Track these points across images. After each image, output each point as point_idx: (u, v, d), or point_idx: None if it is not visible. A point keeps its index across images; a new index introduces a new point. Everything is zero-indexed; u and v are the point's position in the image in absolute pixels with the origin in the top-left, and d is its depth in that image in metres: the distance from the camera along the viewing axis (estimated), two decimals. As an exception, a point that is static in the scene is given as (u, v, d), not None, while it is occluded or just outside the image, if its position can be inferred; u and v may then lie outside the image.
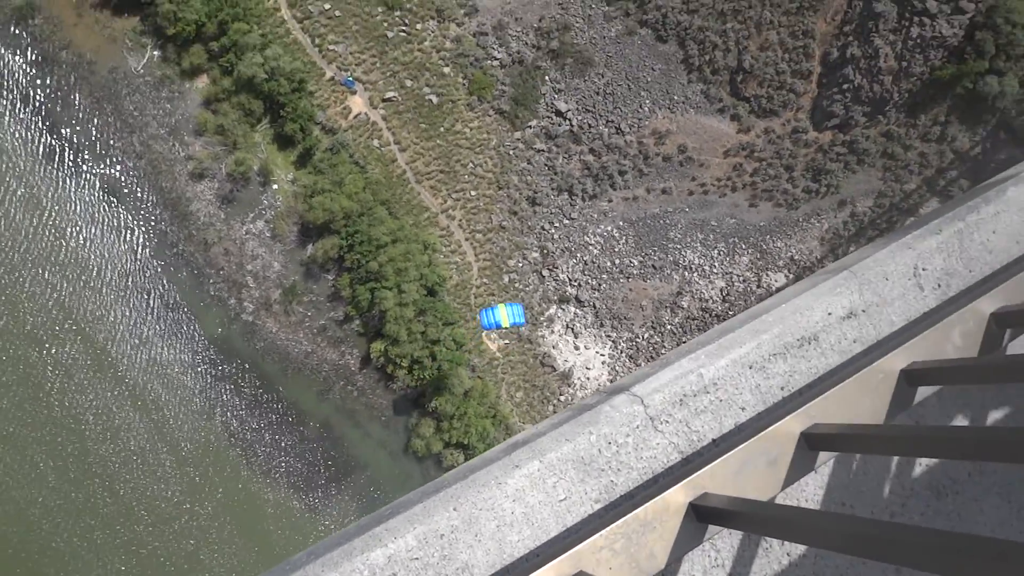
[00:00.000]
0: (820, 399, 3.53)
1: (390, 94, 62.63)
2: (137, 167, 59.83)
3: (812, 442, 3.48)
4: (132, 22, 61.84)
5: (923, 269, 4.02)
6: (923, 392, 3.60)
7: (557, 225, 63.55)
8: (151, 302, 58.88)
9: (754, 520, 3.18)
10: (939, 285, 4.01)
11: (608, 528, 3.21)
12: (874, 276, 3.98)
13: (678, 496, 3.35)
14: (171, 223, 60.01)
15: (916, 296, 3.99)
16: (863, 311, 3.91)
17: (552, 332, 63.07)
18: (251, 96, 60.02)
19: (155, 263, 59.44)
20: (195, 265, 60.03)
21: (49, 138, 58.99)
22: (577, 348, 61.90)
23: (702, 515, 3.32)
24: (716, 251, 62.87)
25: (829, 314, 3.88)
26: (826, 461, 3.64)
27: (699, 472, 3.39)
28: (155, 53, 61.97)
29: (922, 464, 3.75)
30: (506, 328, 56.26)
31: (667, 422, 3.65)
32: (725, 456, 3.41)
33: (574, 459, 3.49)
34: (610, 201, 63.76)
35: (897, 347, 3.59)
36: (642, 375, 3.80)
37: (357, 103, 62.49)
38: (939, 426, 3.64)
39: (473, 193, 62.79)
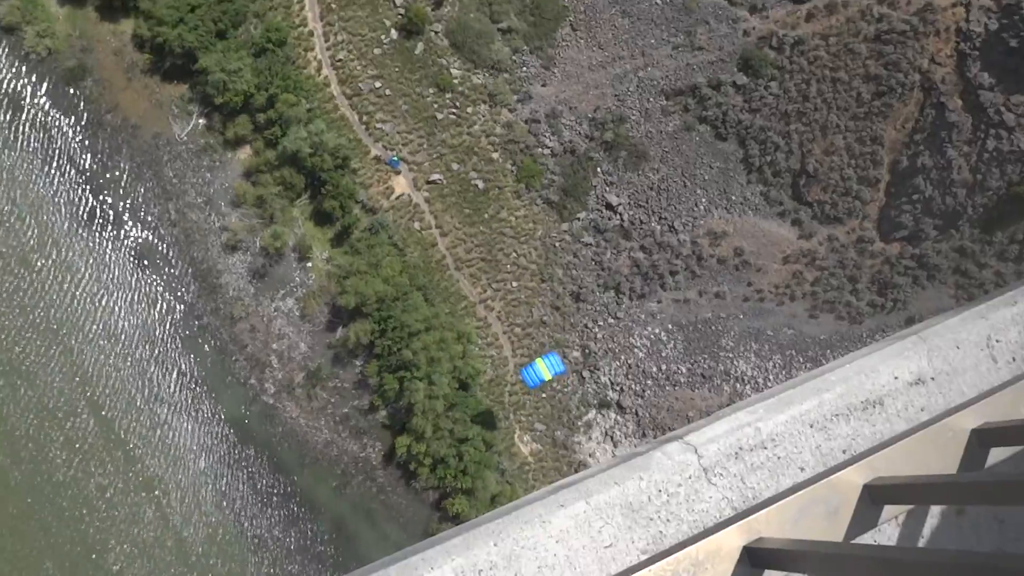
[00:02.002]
0: (886, 451, 3.83)
1: (435, 176, 71.90)
2: (171, 235, 70.03)
3: (876, 495, 3.72)
4: (180, 89, 73.32)
5: (997, 340, 4.35)
6: (995, 454, 3.83)
7: (601, 324, 70.77)
8: (172, 377, 67.80)
9: (821, 563, 3.26)
10: (1014, 359, 4.30)
11: (657, 564, 3.49)
12: (945, 343, 4.30)
13: (732, 539, 3.58)
14: (199, 295, 69.32)
15: (989, 368, 4.32)
16: (932, 378, 4.22)
17: (590, 439, 69.82)
18: (293, 170, 69.60)
19: (180, 336, 68.74)
20: (219, 340, 69.01)
21: (91, 200, 69.84)
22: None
23: (756, 560, 3.55)
24: (771, 363, 69.61)
25: (896, 378, 4.20)
26: (890, 518, 3.81)
27: (755, 515, 3.64)
28: (200, 121, 72.91)
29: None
30: (550, 380, 62.05)
31: (721, 475, 3.95)
32: (783, 501, 3.67)
33: (622, 504, 3.77)
34: (659, 302, 71.07)
35: (969, 405, 3.84)
36: (697, 425, 4.22)
37: (400, 184, 71.96)
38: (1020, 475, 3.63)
39: (514, 284, 70.78)
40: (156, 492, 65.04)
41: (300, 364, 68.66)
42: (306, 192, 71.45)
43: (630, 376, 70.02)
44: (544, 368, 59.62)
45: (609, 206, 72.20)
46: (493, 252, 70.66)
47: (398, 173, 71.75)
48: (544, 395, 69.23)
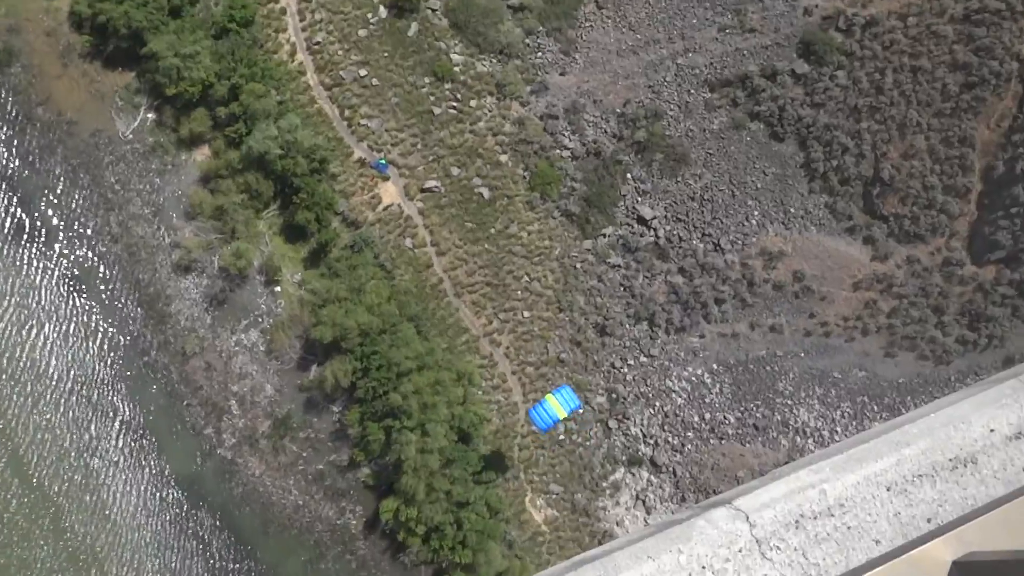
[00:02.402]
0: (980, 521, 3.55)
1: (431, 183, 68.59)
2: (112, 253, 66.38)
3: (966, 573, 3.44)
4: (126, 78, 69.87)
5: None
6: None
7: (632, 363, 67.46)
8: (111, 426, 64.07)
9: None
10: None
11: None
12: None
13: None
14: (145, 325, 65.72)
15: None
16: None
17: (617, 504, 66.15)
18: (260, 175, 66.50)
19: (122, 375, 65.00)
20: (169, 381, 65.22)
21: (17, 210, 66.22)
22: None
23: None
24: (839, 413, 66.11)
25: (991, 431, 3.90)
26: None
27: None
28: (149, 116, 69.61)
29: None
30: (565, 419, 59.84)
31: (778, 548, 3.69)
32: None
33: None
34: (702, 337, 67.73)
35: None
36: (748, 487, 3.98)
37: (389, 192, 68.55)
38: None
39: (526, 314, 67.40)
40: (92, 570, 59.72)
41: (265, 410, 65.20)
42: (275, 202, 68.42)
43: (667, 427, 66.66)
44: (557, 405, 57.22)
45: (641, 220, 69.23)
46: (501, 275, 67.67)
47: (386, 179, 68.79)
48: (562, 449, 66.17)
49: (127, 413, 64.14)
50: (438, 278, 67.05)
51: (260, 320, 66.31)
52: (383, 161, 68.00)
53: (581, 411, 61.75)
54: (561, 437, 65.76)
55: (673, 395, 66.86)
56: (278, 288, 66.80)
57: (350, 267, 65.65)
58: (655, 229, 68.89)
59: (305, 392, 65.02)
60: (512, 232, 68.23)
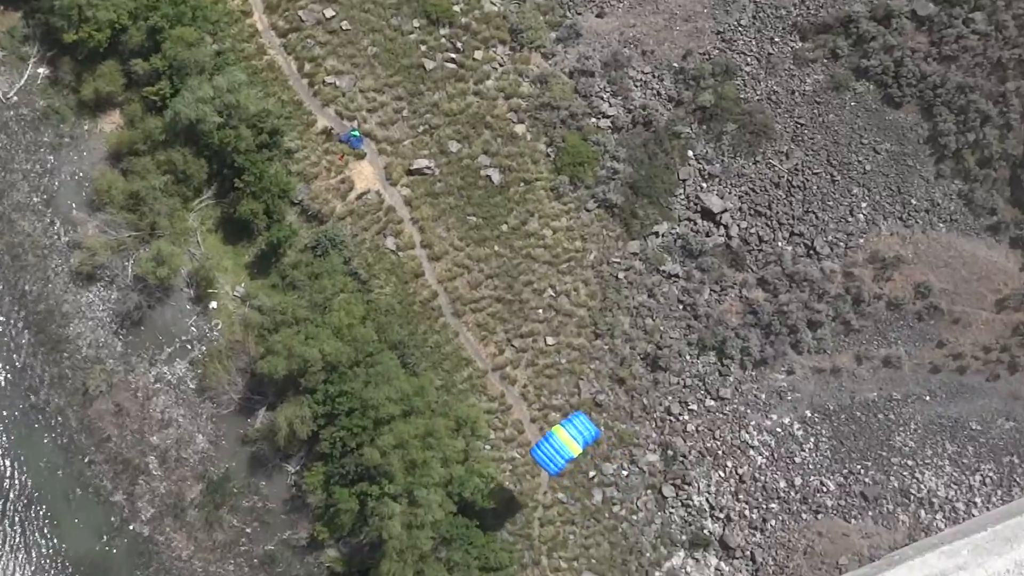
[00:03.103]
0: None
1: (421, 163, 64.92)
2: None
3: None
4: (9, 20, 65.73)
5: None
6: None
7: (694, 409, 63.68)
8: None
9: None
10: None
11: None
12: None
13: None
14: (34, 353, 62.07)
15: None
16: None
17: None
18: (189, 151, 62.88)
19: (2, 421, 60.91)
20: (65, 429, 61.38)
21: None
22: (718, 636, 59.72)
23: None
24: (978, 477, 62.11)
25: None
26: None
27: None
28: (40, 72, 65.78)
29: None
30: (578, 457, 57.52)
31: None
32: None
33: None
34: (790, 373, 63.95)
35: None
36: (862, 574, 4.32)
37: (365, 174, 64.81)
38: None
39: (550, 341, 63.75)
40: None
41: (196, 470, 61.64)
42: (210, 187, 65.02)
43: (742, 496, 62.70)
44: (567, 439, 54.62)
45: (707, 214, 65.32)
46: (516, 288, 64.14)
47: (361, 157, 65.16)
48: (599, 525, 61.93)
49: (8, 473, 60.14)
50: (431, 291, 63.43)
51: (189, 347, 62.84)
52: (356, 133, 64.53)
53: (600, 438, 59.60)
54: (596, 501, 61.94)
55: (751, 452, 62.94)
56: (213, 304, 63.47)
57: (311, 276, 62.41)
58: (726, 226, 64.98)
59: (250, 445, 61.61)
60: (531, 229, 64.64)
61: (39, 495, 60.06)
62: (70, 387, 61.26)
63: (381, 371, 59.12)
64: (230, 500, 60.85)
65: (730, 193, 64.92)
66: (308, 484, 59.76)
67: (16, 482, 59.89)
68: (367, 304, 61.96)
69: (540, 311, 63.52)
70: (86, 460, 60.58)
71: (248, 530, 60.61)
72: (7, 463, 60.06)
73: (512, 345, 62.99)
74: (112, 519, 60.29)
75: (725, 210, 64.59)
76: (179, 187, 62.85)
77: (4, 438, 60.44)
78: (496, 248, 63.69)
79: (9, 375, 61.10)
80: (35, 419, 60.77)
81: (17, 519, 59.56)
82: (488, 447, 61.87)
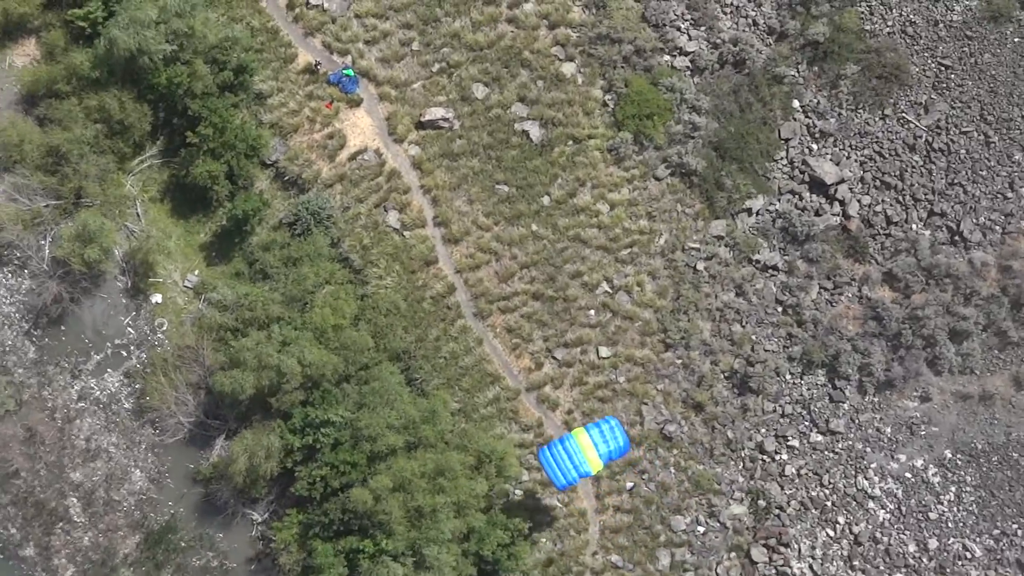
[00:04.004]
0: None
1: (436, 113, 64.80)
2: None
3: None
4: None
5: None
6: None
7: (796, 446, 63.50)
8: None
9: None
10: None
11: None
12: None
13: None
14: None
15: None
16: None
17: None
18: (127, 93, 62.79)
19: None
20: None
21: None
22: None
23: None
24: None
25: None
26: None
27: None
28: None
29: None
30: (599, 474, 58.76)
31: None
32: None
33: None
34: (925, 399, 63.63)
35: None
36: None
37: (361, 127, 64.93)
38: None
39: (604, 353, 63.51)
40: None
41: (131, 516, 61.23)
42: (155, 142, 65.00)
43: (857, 562, 61.83)
44: (587, 448, 55.24)
45: (818, 185, 64.98)
46: (560, 280, 63.83)
47: (356, 104, 65.09)
48: None
49: None
50: (446, 284, 63.17)
51: (124, 355, 62.61)
52: (350, 72, 64.32)
53: (627, 454, 58.79)
54: (663, 566, 61.25)
55: (870, 505, 62.20)
56: (157, 298, 63.19)
57: (288, 262, 62.20)
58: (842, 202, 64.39)
59: (203, 485, 61.44)
60: (582, 203, 64.29)
61: None
62: None
63: (379, 389, 58.93)
64: (176, 557, 60.50)
65: (849, 158, 64.34)
66: (278, 538, 59.30)
67: None
68: (361, 300, 61.85)
69: (591, 312, 63.19)
70: None
71: None
72: None
73: (554, 357, 62.65)
74: None
75: (842, 180, 64.07)
76: (114, 141, 62.39)
77: None
78: (534, 228, 63.30)
79: None
80: None
81: None
82: (519, 491, 61.52)
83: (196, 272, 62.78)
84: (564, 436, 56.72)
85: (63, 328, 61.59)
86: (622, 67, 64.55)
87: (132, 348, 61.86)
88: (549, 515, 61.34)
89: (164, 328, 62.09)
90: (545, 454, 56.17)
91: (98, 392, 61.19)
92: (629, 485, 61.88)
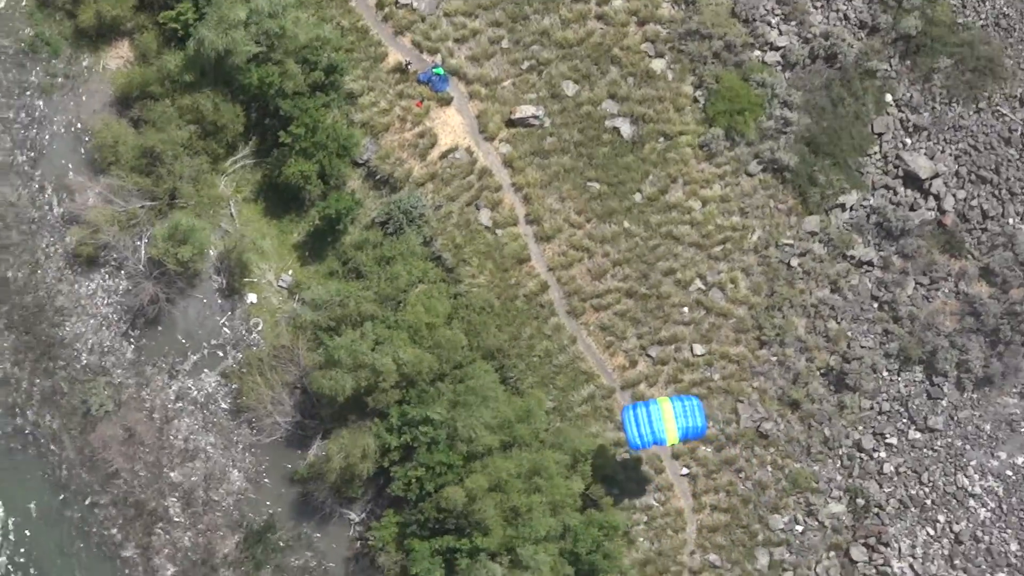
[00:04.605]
0: None
1: (526, 111, 64.96)
2: None
3: None
4: None
5: None
6: None
7: (894, 443, 63.29)
8: None
9: None
10: None
11: None
12: None
13: None
14: (18, 362, 62.42)
15: None
16: None
17: None
18: (221, 95, 63.33)
19: None
20: (59, 463, 61.90)
21: None
22: None
23: None
24: None
25: None
26: None
27: None
28: None
29: None
30: (674, 446, 59.61)
31: None
32: None
33: None
34: None
35: None
36: None
37: (452, 125, 65.23)
38: None
39: (699, 350, 63.70)
40: None
41: (229, 516, 61.94)
42: (248, 142, 65.55)
43: (958, 561, 61.53)
44: (669, 418, 56.06)
45: (912, 180, 64.62)
46: (653, 277, 63.86)
47: (447, 102, 65.20)
48: None
49: None
50: (539, 282, 63.27)
51: (221, 355, 63.39)
52: (440, 71, 64.51)
53: (702, 438, 59.91)
54: (761, 565, 61.36)
55: (971, 503, 61.87)
56: (251, 298, 63.76)
57: (381, 261, 62.50)
58: (937, 197, 63.98)
59: (300, 485, 61.88)
60: (673, 200, 64.23)
61: (26, 548, 60.60)
62: (66, 406, 61.69)
63: (474, 388, 58.91)
64: (275, 557, 61.11)
65: (943, 152, 63.92)
66: (376, 537, 59.79)
67: (-5, 531, 61.78)
68: (454, 298, 62.04)
69: (685, 310, 63.21)
70: (88, 502, 61.12)
71: None
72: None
73: (648, 355, 62.66)
74: None
75: (936, 175, 63.73)
76: (207, 142, 62.93)
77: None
78: (626, 225, 63.29)
79: (-16, 392, 62.66)
80: (21, 448, 61.40)
81: (-3, 579, 61.21)
82: (615, 490, 61.42)
83: (290, 272, 63.32)
84: (650, 400, 57.43)
85: (160, 328, 62.42)
86: (712, 63, 64.51)
87: (228, 348, 62.63)
88: (646, 514, 61.37)
89: (259, 328, 62.80)
90: (628, 412, 56.73)
91: (195, 392, 61.98)
92: (684, 471, 61.84)
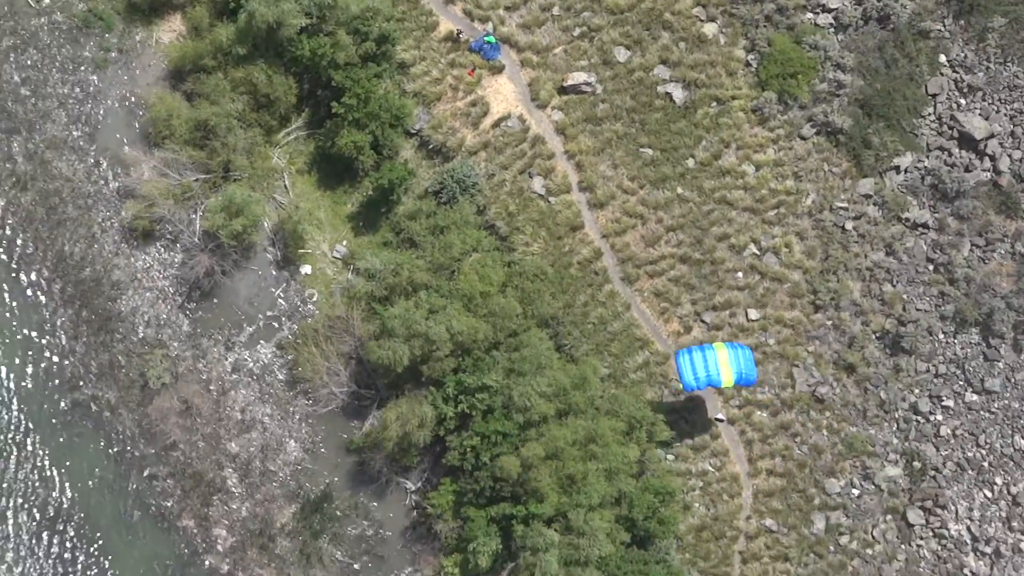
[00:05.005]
0: None
1: (579, 77, 64.93)
2: (16, 206, 63.75)
3: None
4: None
5: None
6: None
7: (951, 406, 63.18)
8: (19, 514, 61.01)
9: None
10: None
11: None
12: None
13: None
14: (76, 335, 63.15)
15: None
16: None
17: None
18: (272, 67, 63.58)
19: (37, 423, 61.86)
20: (118, 435, 62.62)
21: None
22: None
23: None
24: None
25: None
26: None
27: None
28: None
29: None
30: (728, 389, 60.88)
31: None
32: None
33: None
34: None
35: None
36: None
37: (504, 93, 65.31)
38: None
39: (753, 315, 63.76)
40: None
41: (287, 486, 62.68)
42: (300, 114, 65.94)
43: (1016, 524, 61.59)
44: (725, 363, 57.98)
45: (967, 141, 64.30)
46: (706, 243, 64.04)
47: (498, 71, 65.36)
48: (822, 561, 61.36)
49: (47, 491, 61.59)
50: (593, 249, 63.48)
51: (276, 326, 63.72)
52: (492, 39, 64.48)
53: (754, 385, 61.57)
54: (818, 529, 61.62)
55: None
56: (306, 269, 64.10)
57: (434, 230, 62.79)
58: (992, 157, 63.64)
59: (356, 455, 62.32)
60: (727, 165, 64.24)
61: (86, 518, 61.39)
62: (124, 379, 62.20)
63: (529, 356, 59.00)
64: (332, 526, 61.50)
65: (998, 112, 63.57)
66: (434, 506, 60.13)
67: (57, 502, 61.33)
68: (508, 267, 62.11)
69: (739, 275, 63.27)
70: (146, 474, 61.83)
71: (356, 566, 61.53)
72: (44, 477, 61.31)
73: (702, 321, 62.78)
74: (180, 549, 61.42)
75: (992, 135, 63.42)
76: (260, 115, 63.25)
77: (40, 445, 61.56)
78: (679, 191, 63.30)
79: (46, 365, 62.20)
80: (80, 420, 61.94)
81: (58, 550, 60.80)
82: (671, 457, 61.90)
83: (344, 242, 63.61)
84: (705, 345, 58.38)
85: (215, 301, 62.85)
86: (764, 26, 64.38)
87: (283, 319, 63.00)
88: (701, 480, 61.57)
89: (314, 299, 63.18)
90: (683, 355, 57.74)
91: (251, 364, 62.45)
92: (720, 416, 62.33)
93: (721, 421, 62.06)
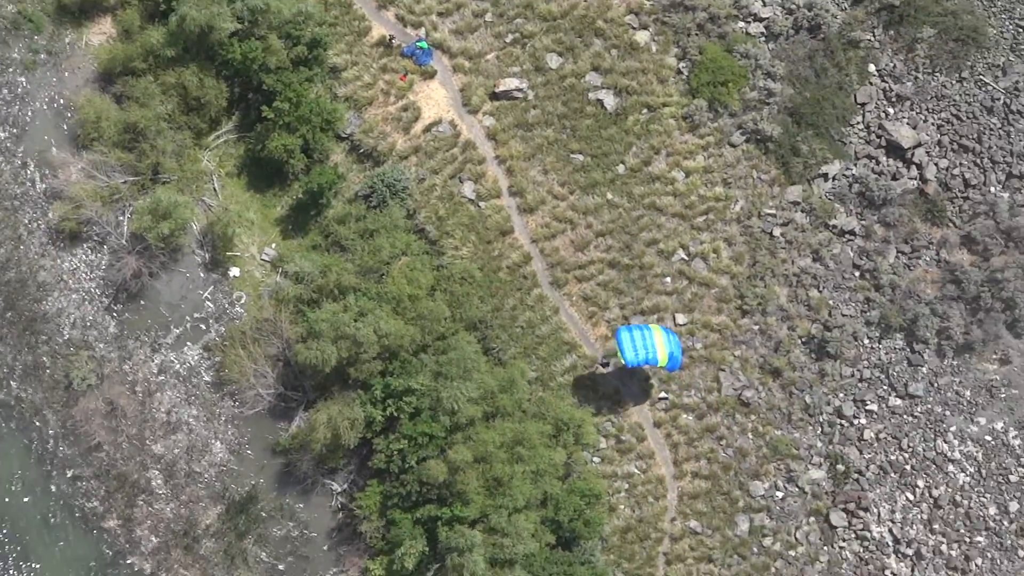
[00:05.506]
0: None
1: (510, 83, 65.10)
2: None
3: None
4: None
5: None
6: None
7: (874, 410, 63.58)
8: None
9: None
10: None
11: None
12: None
13: None
14: (1, 335, 62.11)
15: None
16: None
17: None
18: (204, 71, 63.56)
19: None
20: (42, 437, 61.90)
21: None
22: None
23: None
24: None
25: None
26: None
27: None
28: None
29: None
30: (661, 368, 61.19)
31: None
32: None
33: None
34: (1004, 362, 63.62)
35: None
36: None
37: (435, 99, 65.31)
38: None
39: (681, 320, 64.03)
40: None
41: (212, 487, 62.33)
42: (231, 117, 65.89)
43: (937, 526, 62.13)
44: (661, 346, 58.81)
45: (895, 149, 64.96)
46: (636, 249, 64.22)
47: (430, 76, 65.51)
48: (745, 563, 61.62)
49: None
50: (522, 254, 63.58)
51: (203, 328, 63.44)
52: (424, 44, 64.71)
53: (677, 370, 62.23)
54: (741, 531, 62.07)
55: (950, 468, 62.42)
56: (234, 271, 63.84)
57: (364, 234, 62.71)
58: (919, 166, 64.30)
59: (282, 456, 62.10)
60: (657, 171, 64.46)
61: (8, 520, 60.53)
62: (49, 380, 61.62)
63: (456, 359, 59.10)
64: (257, 527, 61.24)
65: (926, 122, 64.23)
66: (360, 507, 60.04)
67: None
68: (437, 271, 62.23)
69: (668, 280, 63.40)
70: (70, 475, 61.11)
71: (281, 567, 61.22)
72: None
73: (631, 324, 62.50)
74: (103, 551, 60.78)
75: (919, 144, 63.96)
76: (190, 117, 63.15)
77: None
78: (609, 196, 63.53)
79: (-31, 364, 62.36)
80: (3, 421, 61.11)
81: (-17, 553, 60.98)
82: (597, 459, 62.02)
83: (273, 245, 63.43)
84: (643, 325, 59.13)
85: (142, 303, 62.35)
86: (696, 34, 64.68)
87: (211, 321, 62.65)
88: (627, 482, 61.69)
89: (242, 301, 62.91)
90: (624, 332, 58.29)
91: (178, 365, 61.99)
92: (662, 395, 62.64)
93: (665, 399, 62.36)
